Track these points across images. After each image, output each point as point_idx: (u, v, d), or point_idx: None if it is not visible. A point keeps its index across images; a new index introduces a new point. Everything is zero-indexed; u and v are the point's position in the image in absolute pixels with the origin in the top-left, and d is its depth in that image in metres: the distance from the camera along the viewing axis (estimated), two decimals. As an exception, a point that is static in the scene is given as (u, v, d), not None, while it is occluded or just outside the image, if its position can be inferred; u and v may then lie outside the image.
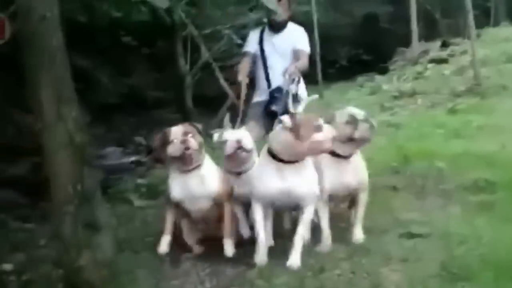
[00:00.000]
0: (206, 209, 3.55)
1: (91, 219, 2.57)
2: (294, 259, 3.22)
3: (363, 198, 3.67)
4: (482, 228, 3.50)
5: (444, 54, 13.83)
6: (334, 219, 3.70)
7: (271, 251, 3.41)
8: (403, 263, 3.16)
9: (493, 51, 12.01)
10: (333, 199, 3.66)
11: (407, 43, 16.63)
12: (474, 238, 3.34)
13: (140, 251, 3.62)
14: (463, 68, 11.45)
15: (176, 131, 3.45)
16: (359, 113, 3.53)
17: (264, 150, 3.40)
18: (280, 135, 3.27)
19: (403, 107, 10.12)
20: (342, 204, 3.96)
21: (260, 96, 4.68)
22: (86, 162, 2.54)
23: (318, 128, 3.19)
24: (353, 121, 3.48)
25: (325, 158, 3.51)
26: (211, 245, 3.60)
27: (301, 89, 4.59)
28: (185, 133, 3.44)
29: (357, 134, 3.47)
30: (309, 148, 3.21)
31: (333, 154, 3.50)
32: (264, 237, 3.34)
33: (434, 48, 15.34)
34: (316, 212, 3.49)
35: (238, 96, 4.50)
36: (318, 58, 15.68)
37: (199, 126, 3.63)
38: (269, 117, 4.31)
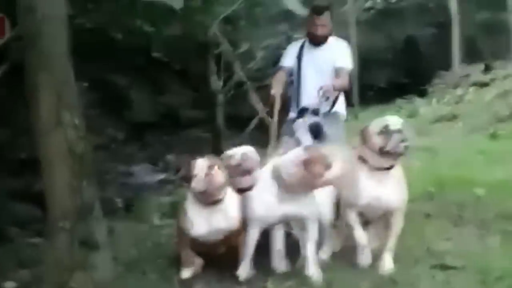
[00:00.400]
0: (220, 240, 3.41)
1: (88, 237, 2.36)
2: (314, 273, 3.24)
3: (398, 221, 3.39)
4: (525, 262, 3.17)
5: (486, 78, 13.38)
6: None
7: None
8: (434, 298, 2.86)
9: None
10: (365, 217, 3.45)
11: (447, 66, 16.22)
12: (515, 273, 3.01)
13: (148, 272, 3.40)
14: (506, 92, 11.07)
15: (201, 164, 3.23)
16: (396, 123, 3.25)
17: (269, 170, 3.30)
18: (292, 166, 3.14)
19: (442, 131, 9.78)
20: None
21: (292, 113, 4.46)
22: (85, 175, 2.33)
23: (328, 166, 3.08)
24: (386, 132, 3.21)
25: (363, 170, 3.30)
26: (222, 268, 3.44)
27: (341, 107, 4.43)
28: (210, 167, 3.22)
29: (389, 146, 3.19)
30: (319, 185, 3.16)
31: (370, 166, 3.29)
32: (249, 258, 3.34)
33: (476, 72, 14.86)
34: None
35: (271, 111, 4.34)
36: (356, 81, 15.47)
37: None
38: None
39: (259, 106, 9.35)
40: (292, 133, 4.24)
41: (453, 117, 10.51)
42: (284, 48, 4.72)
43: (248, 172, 3.37)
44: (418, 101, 14.33)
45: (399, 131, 3.20)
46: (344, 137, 4.37)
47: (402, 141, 3.18)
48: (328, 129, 4.20)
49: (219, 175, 3.21)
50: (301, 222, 3.33)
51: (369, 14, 14.43)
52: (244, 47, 10.99)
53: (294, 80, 4.46)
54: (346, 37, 15.13)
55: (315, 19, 4.32)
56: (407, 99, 15.27)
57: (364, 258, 3.37)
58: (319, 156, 3.10)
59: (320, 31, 4.32)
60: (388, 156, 3.24)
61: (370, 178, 3.30)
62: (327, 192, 3.47)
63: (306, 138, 4.09)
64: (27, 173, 6.07)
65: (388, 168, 3.30)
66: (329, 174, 3.08)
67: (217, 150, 9.30)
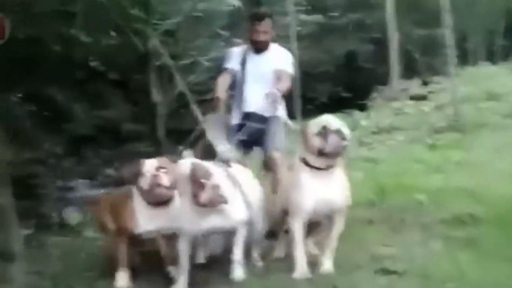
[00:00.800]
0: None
1: (4, 247, 2.13)
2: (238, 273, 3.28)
3: (340, 223, 3.34)
4: (466, 265, 3.14)
5: (423, 91, 13.77)
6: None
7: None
8: (376, 303, 2.77)
9: (473, 89, 11.94)
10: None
11: (386, 81, 16.58)
12: (457, 276, 2.98)
13: (75, 286, 3.16)
14: (443, 105, 11.33)
15: (150, 165, 3.31)
16: (334, 123, 3.21)
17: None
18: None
19: (382, 142, 9.89)
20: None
21: (235, 119, 4.38)
22: (2, 179, 2.11)
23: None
24: (324, 132, 3.15)
25: (304, 172, 3.25)
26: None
27: (282, 112, 4.43)
28: (159, 168, 3.29)
29: (327, 148, 3.14)
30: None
31: (309, 166, 3.24)
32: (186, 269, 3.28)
33: (414, 86, 15.26)
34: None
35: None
36: (297, 94, 15.53)
37: (175, 160, 3.44)
38: (241, 145, 4.02)
39: (201, 118, 9.20)
40: (232, 139, 4.10)
41: (392, 129, 10.63)
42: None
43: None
44: (358, 114, 14.50)
45: (337, 131, 3.15)
46: (285, 141, 4.36)
47: (342, 140, 3.13)
48: (272, 133, 4.24)
49: (167, 177, 3.24)
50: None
51: (311, 29, 14.54)
52: (185, 59, 10.81)
53: (237, 86, 4.41)
54: (287, 48, 15.28)
55: (257, 26, 4.32)
56: (347, 112, 15.47)
57: (300, 273, 3.25)
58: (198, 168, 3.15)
59: (262, 37, 4.32)
60: (327, 156, 3.18)
61: (313, 180, 3.23)
62: (257, 199, 3.46)
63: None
64: None
65: (330, 168, 3.23)
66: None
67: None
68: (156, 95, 10.18)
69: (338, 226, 3.33)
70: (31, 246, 3.77)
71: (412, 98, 13.29)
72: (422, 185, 5.35)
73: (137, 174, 3.29)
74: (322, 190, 3.22)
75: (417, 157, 7.54)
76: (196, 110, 9.96)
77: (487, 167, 6.01)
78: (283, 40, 15.41)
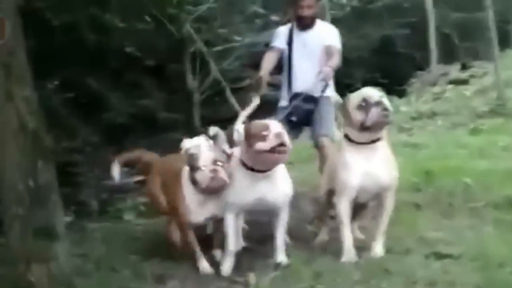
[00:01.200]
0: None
1: (46, 225, 2.07)
2: (281, 257, 3.23)
3: (389, 203, 3.21)
4: (524, 248, 2.96)
5: (464, 75, 13.35)
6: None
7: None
8: (431, 287, 2.63)
9: (516, 72, 11.56)
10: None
11: (424, 66, 16.21)
12: (516, 260, 2.80)
13: (120, 269, 3.12)
14: (485, 89, 11.01)
15: (206, 158, 3.15)
16: (374, 95, 3.07)
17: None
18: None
19: (422, 128, 9.67)
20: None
21: (283, 101, 4.32)
22: (41, 154, 2.05)
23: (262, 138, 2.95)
24: (365, 105, 3.01)
25: (347, 148, 3.14)
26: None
27: (331, 91, 4.34)
28: (215, 161, 3.14)
29: (368, 122, 3.00)
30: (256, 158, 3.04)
31: (351, 141, 3.13)
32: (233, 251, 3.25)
33: (453, 71, 14.86)
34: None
35: (256, 91, 4.16)
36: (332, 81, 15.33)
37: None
38: (291, 126, 3.89)
39: (237, 106, 9.12)
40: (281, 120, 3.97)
41: (433, 114, 10.38)
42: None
43: None
44: (396, 100, 14.21)
45: (378, 102, 3.00)
46: (334, 121, 4.28)
47: (383, 111, 2.99)
48: (321, 115, 4.14)
49: (225, 173, 3.11)
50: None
51: (345, 13, 14.28)
52: (219, 45, 10.72)
53: (284, 66, 4.33)
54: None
55: (300, 1, 4.19)
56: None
57: (348, 257, 3.15)
58: (253, 126, 3.08)
59: (307, 12, 4.20)
60: (369, 130, 3.05)
61: (357, 155, 3.11)
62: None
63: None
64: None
65: (374, 142, 3.11)
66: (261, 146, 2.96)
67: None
68: (191, 83, 10.13)
69: (388, 206, 3.21)
70: (73, 231, 3.74)
71: (452, 82, 12.93)
72: (468, 168, 5.17)
73: (193, 167, 3.16)
74: (367, 166, 3.11)
75: (460, 142, 7.31)
76: (231, 97, 9.90)
77: (534, 151, 5.71)
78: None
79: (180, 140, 3.93)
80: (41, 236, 2.08)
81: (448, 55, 17.83)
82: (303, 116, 4.07)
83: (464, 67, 14.81)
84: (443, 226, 3.66)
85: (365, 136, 3.09)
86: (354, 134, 3.11)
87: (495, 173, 4.84)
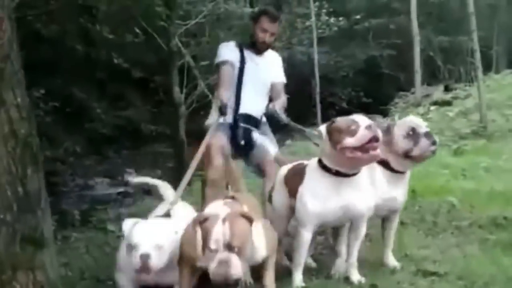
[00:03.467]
0: None
1: (34, 233, 2.04)
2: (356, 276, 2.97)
3: (397, 219, 3.30)
4: (509, 268, 2.98)
5: (447, 97, 13.58)
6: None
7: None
8: (420, 305, 2.63)
9: (498, 96, 11.80)
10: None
11: (408, 87, 16.43)
12: (502, 280, 2.83)
13: (104, 279, 3.08)
14: (468, 110, 11.21)
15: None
16: (422, 125, 3.03)
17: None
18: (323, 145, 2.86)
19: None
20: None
21: (228, 118, 3.92)
22: (31, 161, 2.03)
23: (351, 133, 2.68)
24: (413, 135, 2.96)
25: (378, 171, 3.03)
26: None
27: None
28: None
29: (416, 152, 2.96)
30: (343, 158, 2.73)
31: (388, 167, 3.04)
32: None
33: (437, 92, 15.10)
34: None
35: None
36: (318, 99, 15.42)
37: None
38: (235, 147, 3.80)
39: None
40: (222, 136, 3.82)
41: (416, 134, 10.46)
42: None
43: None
44: (379, 119, 14.35)
45: (427, 134, 2.98)
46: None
47: (433, 145, 2.98)
48: (266, 134, 4.00)
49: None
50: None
51: (331, 32, 14.44)
52: (206, 60, 10.74)
53: (233, 85, 3.96)
54: (307, 54, 15.30)
55: (267, 25, 3.99)
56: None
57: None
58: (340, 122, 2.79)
59: (269, 39, 4.01)
60: (412, 159, 3.03)
61: (390, 181, 3.07)
62: None
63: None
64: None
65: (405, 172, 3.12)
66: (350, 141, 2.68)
67: (179, 165, 9.04)
68: (178, 96, 10.11)
69: (396, 221, 3.30)
70: (56, 240, 3.68)
71: (436, 103, 13.13)
72: (452, 188, 5.24)
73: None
74: (394, 191, 3.09)
75: (443, 162, 7.34)
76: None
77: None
78: (303, 44, 15.45)
79: (164, 152, 3.74)
80: (28, 243, 2.05)
81: (431, 77, 18.13)
82: (247, 139, 3.88)
83: (447, 89, 15.08)
84: (428, 244, 3.67)
85: (406, 165, 3.06)
86: (394, 161, 3.02)
87: (479, 193, 4.92)
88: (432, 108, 12.79)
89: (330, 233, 3.72)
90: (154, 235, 2.59)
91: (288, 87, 4.27)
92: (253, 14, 4.28)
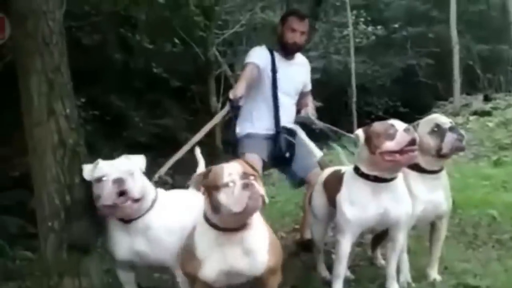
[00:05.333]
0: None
1: (80, 240, 2.10)
2: None
3: (444, 227, 3.22)
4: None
5: (487, 107, 13.28)
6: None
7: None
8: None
9: (540, 105, 11.51)
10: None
11: (446, 97, 16.16)
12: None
13: (146, 287, 3.12)
14: (508, 121, 10.95)
15: (233, 170, 2.24)
16: (445, 121, 2.98)
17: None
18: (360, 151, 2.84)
19: (443, 158, 9.56)
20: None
21: (264, 128, 3.86)
22: (79, 170, 2.09)
23: (389, 137, 2.67)
24: (438, 131, 2.92)
25: (411, 175, 2.98)
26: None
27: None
28: (246, 174, 2.23)
29: (445, 148, 2.91)
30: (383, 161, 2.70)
31: (419, 169, 2.98)
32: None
33: (476, 102, 14.80)
34: None
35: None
36: (354, 108, 15.35)
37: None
38: (275, 159, 3.78)
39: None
40: (259, 151, 3.74)
41: (455, 145, 10.28)
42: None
43: None
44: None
45: (452, 128, 2.93)
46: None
47: (459, 136, 2.91)
48: (303, 147, 3.88)
49: (260, 186, 2.23)
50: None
51: (369, 41, 14.38)
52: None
53: (266, 94, 3.86)
54: (344, 63, 15.19)
55: (295, 24, 3.86)
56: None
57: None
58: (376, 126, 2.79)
59: (299, 39, 3.88)
60: (442, 157, 2.98)
61: (422, 183, 3.01)
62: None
63: None
64: (20, 190, 5.86)
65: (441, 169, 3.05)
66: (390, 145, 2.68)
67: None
68: (215, 104, 10.23)
69: (443, 230, 3.22)
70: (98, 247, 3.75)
71: (475, 113, 12.86)
72: (493, 201, 5.12)
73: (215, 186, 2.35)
74: (433, 195, 3.04)
75: (483, 173, 7.22)
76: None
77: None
78: (339, 53, 15.38)
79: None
80: (74, 250, 2.11)
81: (470, 86, 17.76)
82: (292, 152, 3.83)
83: (486, 99, 14.75)
84: (469, 257, 3.61)
85: (437, 163, 3.00)
86: (424, 161, 2.96)
87: (521, 207, 4.80)
88: (472, 118, 12.53)
89: (368, 245, 3.72)
90: (122, 164, 2.44)
91: (324, 96, 4.26)
92: (281, 17, 4.13)
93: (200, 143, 3.64)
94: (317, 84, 4.37)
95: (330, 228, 3.57)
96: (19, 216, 5.00)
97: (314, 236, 3.40)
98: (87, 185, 2.19)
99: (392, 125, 2.71)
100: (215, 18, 7.90)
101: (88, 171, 2.25)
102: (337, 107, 15.48)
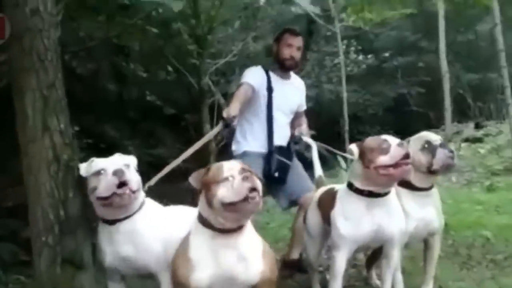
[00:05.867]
0: None
1: (74, 255, 2.10)
2: None
3: (437, 245, 3.23)
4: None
5: (478, 134, 13.42)
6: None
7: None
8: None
9: (530, 132, 11.57)
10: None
11: (437, 125, 16.28)
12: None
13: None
14: (500, 147, 11.04)
15: (232, 167, 2.24)
16: (437, 139, 3.03)
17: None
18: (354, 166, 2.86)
19: (437, 184, 9.53)
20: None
21: (258, 146, 3.86)
22: (73, 185, 2.10)
23: (383, 151, 2.70)
24: (428, 148, 2.96)
25: (402, 192, 3.01)
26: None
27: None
28: (244, 170, 2.22)
29: (436, 164, 2.94)
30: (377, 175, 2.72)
31: (410, 187, 3.01)
32: None
33: (467, 130, 14.95)
34: None
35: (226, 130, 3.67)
36: (347, 137, 15.39)
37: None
38: (265, 178, 3.68)
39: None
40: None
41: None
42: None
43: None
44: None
45: (442, 145, 2.98)
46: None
47: (450, 152, 2.96)
48: (298, 169, 3.94)
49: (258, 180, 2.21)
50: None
51: (360, 70, 14.53)
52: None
53: (261, 113, 3.88)
54: (335, 92, 15.22)
55: (291, 40, 3.89)
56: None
57: None
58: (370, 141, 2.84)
59: (296, 53, 3.89)
60: (434, 174, 3.03)
61: (413, 200, 3.04)
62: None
63: None
64: (13, 220, 5.84)
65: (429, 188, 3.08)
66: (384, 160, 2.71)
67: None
68: (208, 131, 10.24)
69: (437, 248, 3.24)
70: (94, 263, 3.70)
71: (467, 140, 12.98)
72: (486, 223, 5.16)
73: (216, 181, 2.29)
74: (424, 211, 3.07)
75: (476, 198, 7.27)
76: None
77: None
78: (330, 82, 15.49)
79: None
80: (68, 265, 2.11)
81: (461, 115, 17.94)
82: (283, 172, 3.80)
83: (477, 126, 14.90)
84: (463, 276, 3.64)
85: (428, 180, 3.04)
86: (416, 179, 2.99)
87: (514, 228, 4.83)
88: (463, 145, 12.64)
89: (363, 266, 3.72)
90: (118, 158, 2.51)
91: (317, 126, 4.27)
92: (275, 36, 4.13)
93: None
94: (310, 114, 4.38)
95: (324, 250, 3.58)
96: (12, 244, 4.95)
97: (309, 255, 3.40)
98: (81, 200, 2.20)
99: (386, 140, 2.75)
100: (207, 47, 7.97)
101: (85, 168, 2.29)
102: (330, 136, 15.51)
